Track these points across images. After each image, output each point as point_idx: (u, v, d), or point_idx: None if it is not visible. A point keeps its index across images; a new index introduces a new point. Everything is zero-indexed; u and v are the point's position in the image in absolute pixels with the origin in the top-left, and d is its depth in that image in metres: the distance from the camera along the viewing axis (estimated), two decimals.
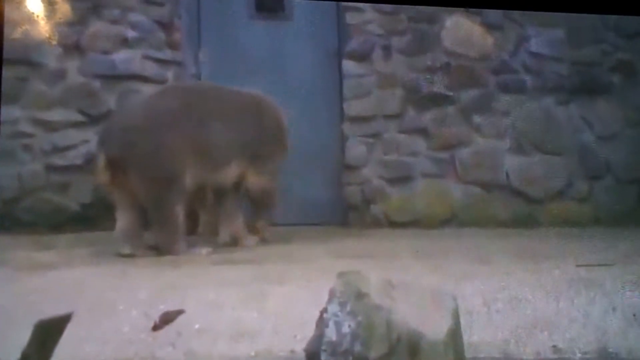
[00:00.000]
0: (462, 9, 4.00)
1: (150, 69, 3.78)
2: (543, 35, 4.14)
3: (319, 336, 1.71)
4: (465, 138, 4.04)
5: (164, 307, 2.16)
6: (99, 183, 3.18)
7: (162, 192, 3.05)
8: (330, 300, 1.78)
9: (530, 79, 4.13)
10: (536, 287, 2.39)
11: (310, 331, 1.78)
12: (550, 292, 2.34)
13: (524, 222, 3.89)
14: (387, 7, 4.01)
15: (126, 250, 3.01)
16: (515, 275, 2.53)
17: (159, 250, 3.06)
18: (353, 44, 4.03)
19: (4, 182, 3.47)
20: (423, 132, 4.01)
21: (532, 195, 4.03)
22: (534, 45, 4.13)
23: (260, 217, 3.48)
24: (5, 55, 3.51)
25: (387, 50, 4.03)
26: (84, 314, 2.12)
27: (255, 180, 3.38)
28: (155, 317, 2.13)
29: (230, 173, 3.32)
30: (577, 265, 2.68)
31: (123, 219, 3.07)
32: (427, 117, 4.03)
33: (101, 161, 3.00)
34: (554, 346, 2.02)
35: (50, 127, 3.61)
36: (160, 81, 3.79)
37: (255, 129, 3.38)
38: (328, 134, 4.02)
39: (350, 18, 4.04)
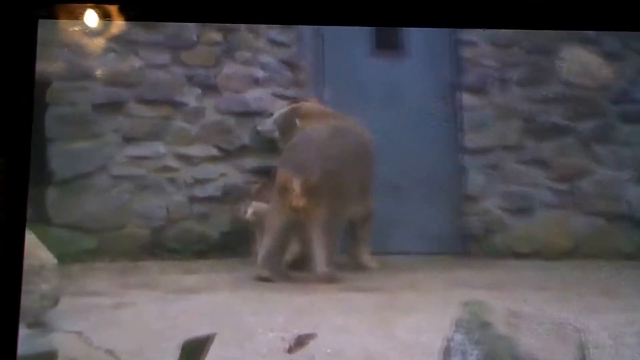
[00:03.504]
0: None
1: (279, 106, 4.03)
2: None
3: None
4: (585, 168, 3.97)
5: (297, 331, 2.32)
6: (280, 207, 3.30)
7: (339, 221, 3.28)
8: (456, 329, 1.87)
9: None
10: None
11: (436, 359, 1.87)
12: None
13: None
14: (501, 40, 4.03)
15: (265, 274, 3.19)
16: None
17: (324, 279, 3.17)
18: (469, 77, 4.08)
19: (154, 212, 3.80)
20: (542, 162, 3.98)
21: None
22: None
23: (364, 240, 3.59)
24: (151, 96, 3.93)
25: (503, 82, 4.06)
26: (226, 336, 2.32)
27: (366, 202, 3.55)
28: (290, 340, 2.29)
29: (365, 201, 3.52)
30: None
31: (266, 245, 3.27)
32: (546, 148, 3.99)
33: (298, 187, 3.21)
34: None
35: (191, 161, 3.91)
36: None
37: (369, 157, 3.60)
38: (446, 166, 4.07)
39: (465, 52, 4.11)
